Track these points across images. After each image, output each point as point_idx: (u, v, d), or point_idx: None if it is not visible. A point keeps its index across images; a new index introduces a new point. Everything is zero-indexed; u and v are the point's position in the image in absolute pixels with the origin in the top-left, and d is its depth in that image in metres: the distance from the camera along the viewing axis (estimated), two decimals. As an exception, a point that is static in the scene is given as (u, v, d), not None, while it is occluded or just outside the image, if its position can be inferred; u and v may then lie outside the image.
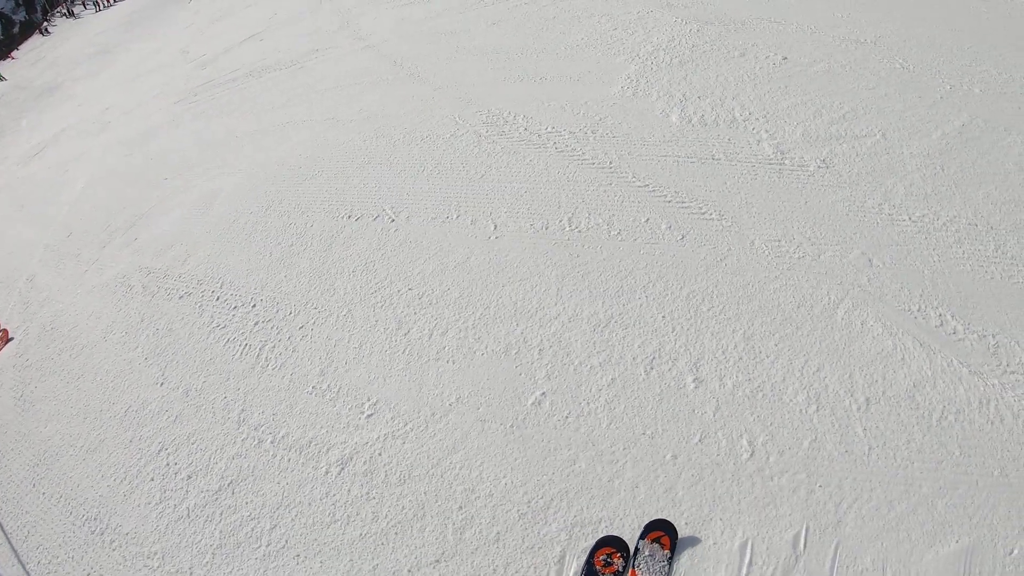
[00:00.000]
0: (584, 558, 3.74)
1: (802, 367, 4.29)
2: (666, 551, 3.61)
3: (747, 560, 3.59)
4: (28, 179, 10.96)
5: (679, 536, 3.68)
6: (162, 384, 5.56)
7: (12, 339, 6.89)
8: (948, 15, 7.24)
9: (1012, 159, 5.33)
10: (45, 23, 19.33)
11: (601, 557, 3.69)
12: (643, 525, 3.75)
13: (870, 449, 3.84)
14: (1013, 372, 4.05)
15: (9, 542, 4.94)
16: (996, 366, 4.09)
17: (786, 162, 5.67)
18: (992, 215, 4.94)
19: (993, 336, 4.23)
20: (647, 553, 3.61)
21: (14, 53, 18.37)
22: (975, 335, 4.25)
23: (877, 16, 7.41)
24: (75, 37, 17.69)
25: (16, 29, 19.34)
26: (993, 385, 4.00)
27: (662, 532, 3.66)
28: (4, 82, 16.72)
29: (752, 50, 7.19)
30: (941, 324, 4.35)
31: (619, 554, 3.69)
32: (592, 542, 3.78)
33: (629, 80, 7.18)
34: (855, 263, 4.80)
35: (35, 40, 18.92)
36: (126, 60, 14.57)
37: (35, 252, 8.26)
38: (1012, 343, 4.18)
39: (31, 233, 8.81)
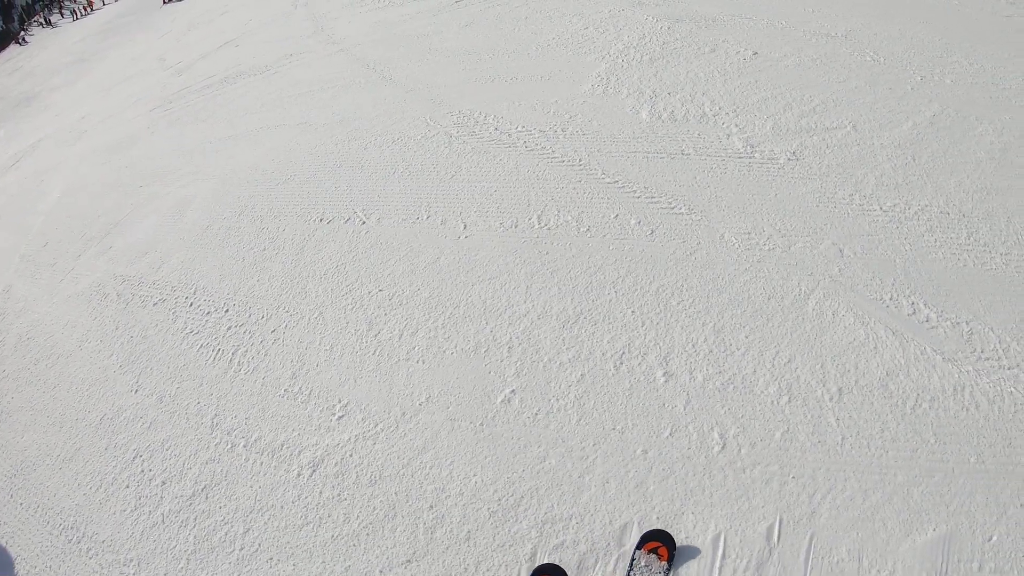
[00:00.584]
0: None
1: (773, 358, 4.29)
2: (663, 563, 3.54)
3: (720, 553, 3.57)
4: (4, 190, 10.87)
5: (677, 547, 3.61)
6: (136, 391, 5.51)
7: None
8: (918, 8, 7.31)
9: (983, 148, 5.37)
10: (22, 32, 19.22)
11: None
12: (640, 535, 3.69)
13: (843, 439, 3.84)
14: (988, 359, 4.06)
15: None
16: (970, 353, 4.10)
17: (756, 155, 5.68)
18: (964, 203, 4.97)
19: (967, 323, 4.25)
20: (643, 564, 3.55)
21: (-9, 64, 18.27)
22: (948, 322, 4.27)
23: (847, 10, 7.47)
24: (52, 46, 17.60)
25: (-7, 39, 19.26)
26: (968, 372, 4.01)
27: (659, 543, 3.60)
28: None
29: (723, 46, 7.21)
30: (914, 312, 4.36)
31: None
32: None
33: (599, 78, 7.19)
34: (826, 254, 4.81)
35: (12, 50, 18.81)
36: (103, 69, 14.50)
37: (11, 262, 8.19)
38: (986, 330, 4.20)
39: (7, 243, 8.73)
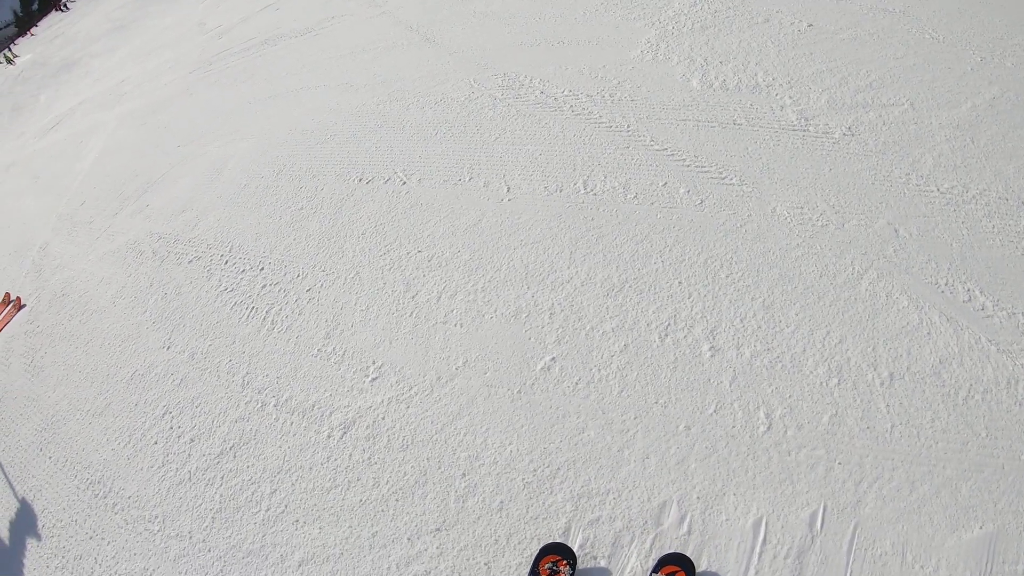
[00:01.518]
0: (529, 567, 3.62)
1: (824, 338, 4.14)
2: None
3: (761, 538, 3.47)
4: (44, 151, 10.99)
5: (696, 571, 3.48)
6: (168, 348, 5.53)
7: (25, 306, 6.93)
8: (980, -14, 7.02)
9: (1046, 134, 5.14)
10: (63, 0, 19.32)
11: (546, 565, 3.53)
12: (657, 559, 3.56)
13: (892, 427, 3.70)
14: (1043, 353, 3.87)
15: (16, 506, 4.99)
16: (1026, 346, 3.91)
17: (810, 129, 5.48)
18: (1024, 190, 4.75)
19: (1023, 314, 4.05)
20: None
21: (33, 30, 18.42)
22: (1004, 312, 4.08)
23: (907, -15, 7.19)
24: (94, 13, 17.66)
25: (35, 6, 19.41)
26: (1022, 365, 3.83)
27: (677, 567, 3.45)
28: (19, 59, 16.76)
29: (776, 16, 6.97)
30: (969, 299, 4.18)
31: (565, 562, 3.53)
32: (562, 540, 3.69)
33: (649, 44, 6.99)
34: (881, 233, 4.62)
35: (53, 17, 18.93)
36: (143, 35, 14.53)
37: (49, 221, 8.29)
38: (1043, 323, 4.01)
39: (45, 202, 8.85)
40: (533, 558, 3.62)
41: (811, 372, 4.00)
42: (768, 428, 3.82)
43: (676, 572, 3.42)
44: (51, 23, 18.75)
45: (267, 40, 10.34)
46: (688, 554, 3.48)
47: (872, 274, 4.41)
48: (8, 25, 19.14)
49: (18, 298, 7.01)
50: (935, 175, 4.96)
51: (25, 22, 19.06)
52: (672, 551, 3.55)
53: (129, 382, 5.42)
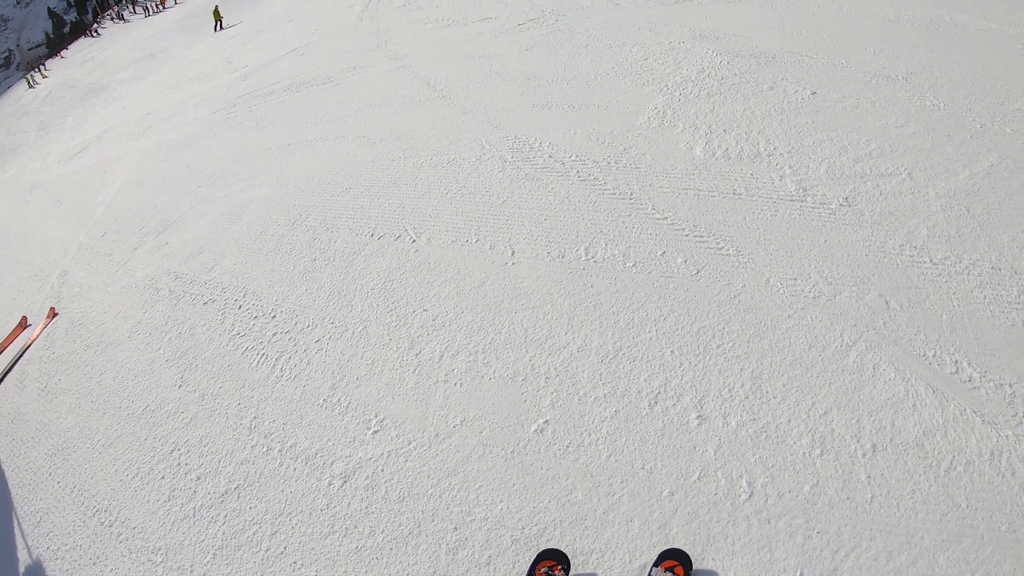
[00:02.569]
0: (525, 572, 3.75)
1: (809, 409, 4.23)
2: None
3: (737, 603, 3.54)
4: (68, 176, 11.23)
5: (693, 568, 3.61)
6: (180, 386, 5.69)
7: (57, 315, 7.21)
8: (981, 51, 7.15)
9: (1041, 202, 5.22)
10: (95, 25, 19.78)
11: (542, 570, 3.67)
12: (658, 553, 3.70)
13: (873, 497, 3.76)
14: (1028, 424, 3.94)
15: (20, 527, 5.13)
16: (1011, 417, 3.98)
17: (808, 199, 5.63)
18: (1017, 259, 4.84)
19: (1010, 385, 4.12)
20: None
21: (63, 52, 18.85)
22: (991, 384, 4.15)
23: (909, 52, 7.35)
24: (123, 40, 18.05)
25: (66, 29, 19.89)
26: (1007, 436, 3.89)
27: (676, 562, 3.60)
28: (46, 80, 17.14)
29: (781, 84, 7.15)
30: (956, 371, 4.25)
31: (560, 567, 3.67)
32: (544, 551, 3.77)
33: (656, 111, 7.18)
34: (871, 305, 4.73)
35: (83, 41, 19.36)
36: (171, 66, 14.84)
37: (69, 249, 8.49)
38: (1029, 394, 4.07)
39: (68, 230, 9.06)
40: (530, 564, 3.76)
41: (795, 442, 4.08)
42: (750, 496, 3.89)
43: (675, 567, 3.57)
44: (81, 47, 19.15)
45: (290, 86, 10.58)
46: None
47: (861, 346, 4.49)
48: (39, 45, 19.65)
49: (51, 308, 7.25)
50: (929, 245, 5.05)
51: (56, 44, 19.54)
52: (672, 547, 3.70)
53: (140, 416, 5.57)
